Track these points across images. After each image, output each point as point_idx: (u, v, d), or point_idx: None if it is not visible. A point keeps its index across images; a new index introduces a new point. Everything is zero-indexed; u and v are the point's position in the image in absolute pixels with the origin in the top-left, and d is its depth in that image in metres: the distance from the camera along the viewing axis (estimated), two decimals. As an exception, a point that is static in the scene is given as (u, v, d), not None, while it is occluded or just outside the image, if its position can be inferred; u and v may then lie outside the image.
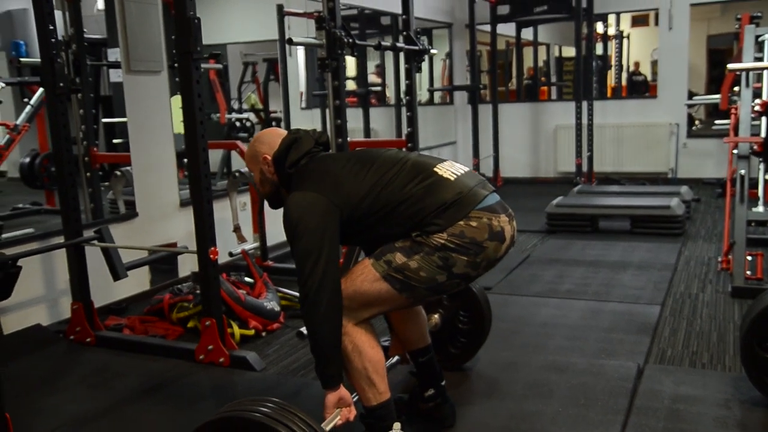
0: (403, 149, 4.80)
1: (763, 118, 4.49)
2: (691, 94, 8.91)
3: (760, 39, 5.36)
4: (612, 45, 11.06)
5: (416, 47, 4.89)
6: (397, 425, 2.28)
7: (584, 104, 8.22)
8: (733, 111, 5.38)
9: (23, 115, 4.93)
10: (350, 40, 4.09)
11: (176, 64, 3.34)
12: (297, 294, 4.12)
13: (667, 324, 3.76)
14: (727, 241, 4.53)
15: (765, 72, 5.09)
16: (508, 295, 4.26)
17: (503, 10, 8.40)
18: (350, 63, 7.87)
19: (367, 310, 2.24)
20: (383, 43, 4.66)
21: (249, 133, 7.67)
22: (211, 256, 3.27)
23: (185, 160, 4.87)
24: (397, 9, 5.23)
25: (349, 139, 3.99)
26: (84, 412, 2.91)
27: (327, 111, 4.45)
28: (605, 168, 8.67)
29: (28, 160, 5.15)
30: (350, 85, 8.13)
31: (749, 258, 4.36)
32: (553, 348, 3.43)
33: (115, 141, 5.25)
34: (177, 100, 4.63)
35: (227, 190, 4.67)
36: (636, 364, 3.15)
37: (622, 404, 2.75)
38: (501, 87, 9.89)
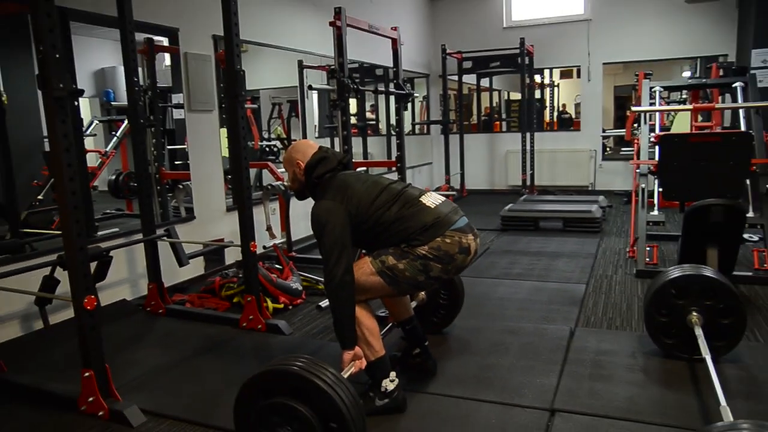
0: (398, 176, 4.83)
1: (657, 147, 4.55)
2: (604, 129, 8.98)
3: (652, 90, 5.42)
4: (546, 91, 11.10)
5: (404, 92, 4.93)
6: (393, 374, 2.31)
7: (528, 135, 8.23)
8: (635, 141, 5.41)
9: (111, 144, 4.94)
10: (355, 86, 4.13)
11: (224, 105, 3.35)
12: (314, 278, 4.14)
13: (591, 298, 3.78)
14: (633, 236, 4.57)
15: (657, 113, 5.16)
16: (474, 278, 4.23)
17: (467, 64, 8.43)
18: (352, 103, 7.87)
19: (363, 294, 2.27)
20: (379, 88, 4.70)
21: (276, 157, 7.67)
22: (252, 248, 3.28)
23: (229, 176, 4.91)
24: (389, 63, 5.28)
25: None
26: (161, 364, 2.92)
27: (336, 139, 4.46)
28: (543, 182, 8.65)
29: (114, 177, 5.15)
30: (352, 120, 8.13)
31: (648, 249, 4.42)
32: (508, 316, 3.44)
33: (176, 162, 5.27)
34: (224, 132, 4.65)
35: (261, 199, 4.67)
36: (569, 328, 3.17)
37: (559, 357, 2.78)
38: (465, 121, 9.90)
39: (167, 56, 5.16)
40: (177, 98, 4.88)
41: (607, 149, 9.82)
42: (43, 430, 2.33)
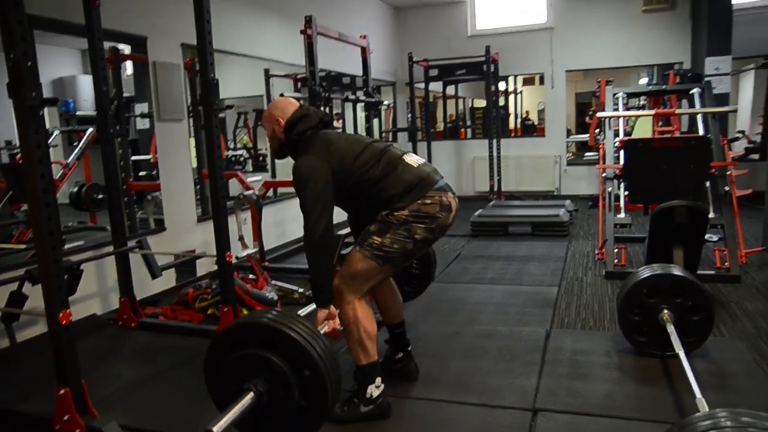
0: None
1: (622, 152, 4.66)
2: (569, 133, 9.18)
3: (615, 96, 5.59)
4: (510, 98, 11.33)
5: (373, 100, 4.99)
6: (378, 380, 2.32)
7: (494, 141, 8.32)
8: (600, 146, 5.55)
9: (73, 155, 4.82)
10: (326, 95, 4.16)
11: (192, 114, 3.31)
12: (289, 287, 4.12)
13: (563, 300, 3.86)
14: (601, 238, 4.66)
15: (621, 119, 5.32)
16: (447, 283, 4.30)
17: (433, 72, 8.51)
18: (320, 112, 7.87)
19: (364, 284, 2.27)
20: (350, 96, 4.74)
21: (242, 166, 7.62)
22: (227, 258, 3.24)
23: (198, 187, 4.84)
24: (358, 71, 5.32)
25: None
26: (137, 378, 2.87)
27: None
28: (510, 188, 8.75)
29: (76, 189, 5.02)
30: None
31: (616, 251, 4.53)
32: (484, 320, 3.48)
33: (141, 173, 5.18)
34: (192, 141, 4.60)
35: (233, 208, 4.62)
36: (545, 329, 3.23)
37: (536, 358, 2.83)
38: (432, 129, 10.01)
39: (129, 65, 5.09)
40: (140, 108, 4.81)
41: (569, 154, 10.09)
42: (17, 452, 2.26)
